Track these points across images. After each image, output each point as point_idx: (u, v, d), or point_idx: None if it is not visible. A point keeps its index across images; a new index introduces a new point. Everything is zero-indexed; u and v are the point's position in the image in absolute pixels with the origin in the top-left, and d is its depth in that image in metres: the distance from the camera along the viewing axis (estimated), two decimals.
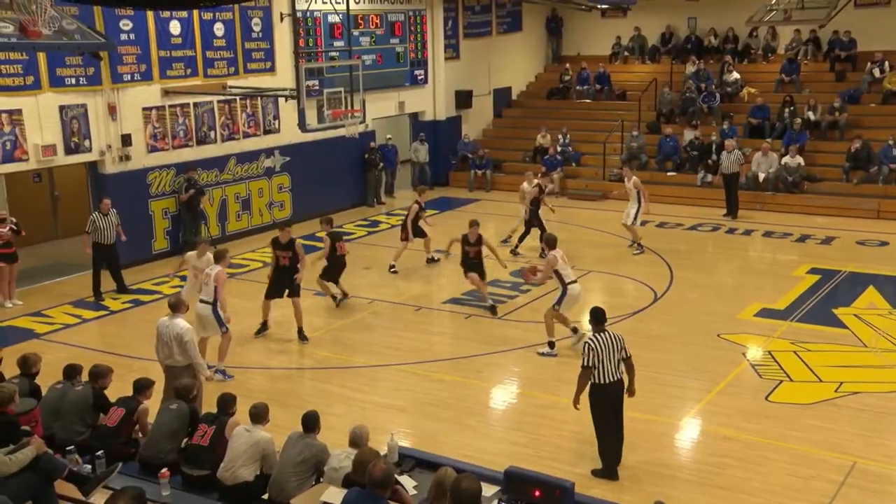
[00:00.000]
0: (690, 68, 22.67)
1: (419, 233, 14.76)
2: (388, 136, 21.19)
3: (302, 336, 11.60)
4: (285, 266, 11.69)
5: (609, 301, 13.24)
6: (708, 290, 13.54)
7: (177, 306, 8.65)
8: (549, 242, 11.18)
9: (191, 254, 11.50)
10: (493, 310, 12.44)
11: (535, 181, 15.72)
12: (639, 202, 15.20)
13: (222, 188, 17.04)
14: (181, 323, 8.55)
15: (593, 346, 7.89)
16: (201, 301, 10.13)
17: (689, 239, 16.82)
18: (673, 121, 21.92)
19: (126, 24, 15.05)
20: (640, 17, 24.74)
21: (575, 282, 11.07)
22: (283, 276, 11.61)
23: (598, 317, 8.18)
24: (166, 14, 15.57)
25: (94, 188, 15.23)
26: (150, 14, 15.20)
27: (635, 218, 15.20)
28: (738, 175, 18.24)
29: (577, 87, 24.30)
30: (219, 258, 10.39)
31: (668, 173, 20.60)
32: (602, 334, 8.01)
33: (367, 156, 20.14)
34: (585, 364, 7.89)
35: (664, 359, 10.85)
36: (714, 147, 19.94)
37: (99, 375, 7.82)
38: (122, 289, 13.99)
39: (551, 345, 11.11)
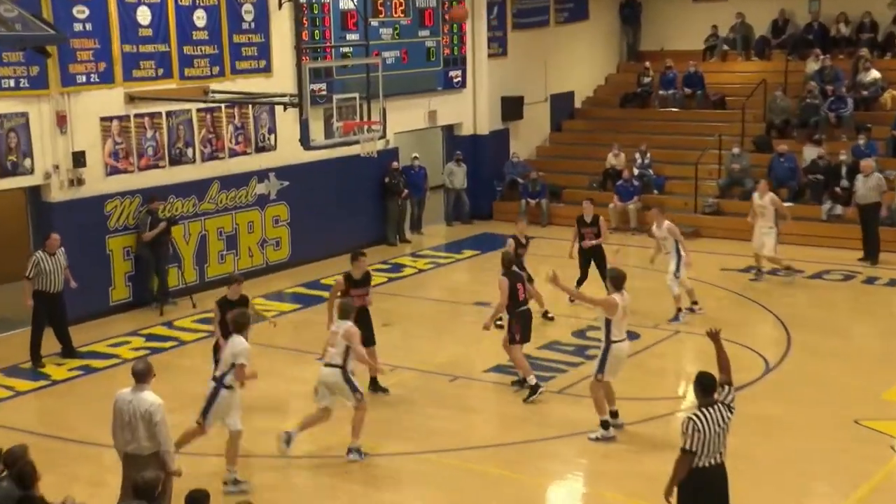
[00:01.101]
0: (812, 66, 22.47)
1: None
2: (415, 155, 21.20)
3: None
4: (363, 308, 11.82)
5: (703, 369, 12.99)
6: (840, 360, 13.24)
7: (144, 374, 8.51)
8: (616, 281, 10.79)
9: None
10: (533, 389, 11.99)
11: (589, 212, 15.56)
12: (679, 253, 14.92)
13: (201, 221, 17.08)
14: (150, 397, 8.40)
15: (699, 425, 7.72)
16: (328, 366, 10.39)
17: (813, 291, 16.56)
18: (789, 135, 21.70)
19: (81, 11, 15.24)
20: (744, 1, 24.66)
21: (623, 340, 10.86)
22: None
23: (705, 386, 8.00)
24: None
25: (37, 220, 15.31)
26: None
27: (677, 271, 14.84)
28: (878, 206, 17.95)
29: (661, 92, 24.22)
30: (346, 313, 10.52)
31: (783, 204, 20.29)
32: (710, 409, 7.83)
33: (387, 180, 20.14)
34: (687, 448, 7.73)
35: (782, 452, 10.54)
36: (845, 170, 19.65)
37: (15, 459, 7.56)
38: (68, 351, 13.95)
39: (605, 425, 10.88)
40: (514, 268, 12.26)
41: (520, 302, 12.11)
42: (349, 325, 10.49)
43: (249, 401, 11.88)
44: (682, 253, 14.97)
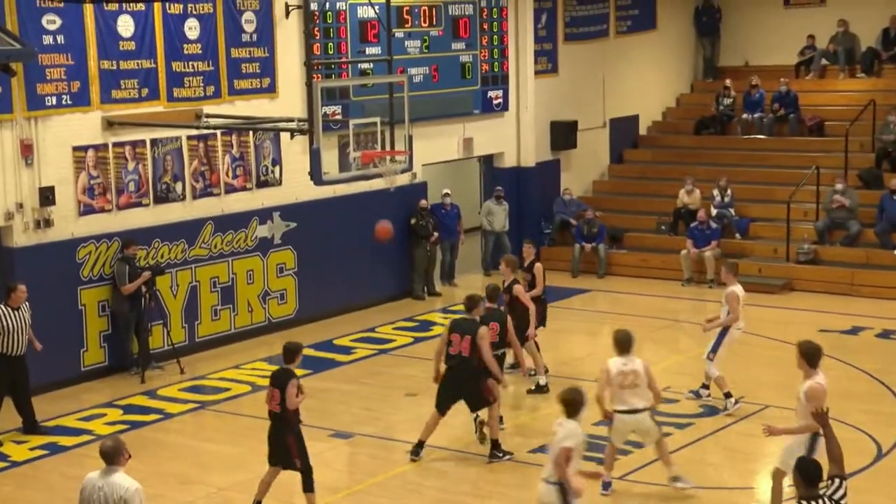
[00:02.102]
0: None
1: None
2: (446, 191, 21.36)
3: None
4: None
5: None
6: None
7: (113, 454, 8.56)
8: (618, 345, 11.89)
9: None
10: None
11: None
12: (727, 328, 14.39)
13: (192, 269, 17.26)
14: (124, 481, 8.44)
15: None
16: (547, 483, 9.74)
17: None
18: None
19: (51, 21, 15.55)
20: (847, 6, 24.74)
21: (625, 412, 11.69)
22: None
23: (810, 475, 7.78)
24: (113, 6, 16.08)
25: None
26: (88, 6, 15.68)
27: (714, 350, 14.41)
28: None
29: (745, 116, 24.28)
30: (573, 409, 9.95)
31: None
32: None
33: (414, 221, 20.28)
34: None
35: None
36: None
37: None
38: (31, 426, 14.07)
39: None
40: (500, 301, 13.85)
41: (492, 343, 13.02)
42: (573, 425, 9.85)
43: (240, 486, 11.97)
44: (732, 325, 14.42)
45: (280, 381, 11.03)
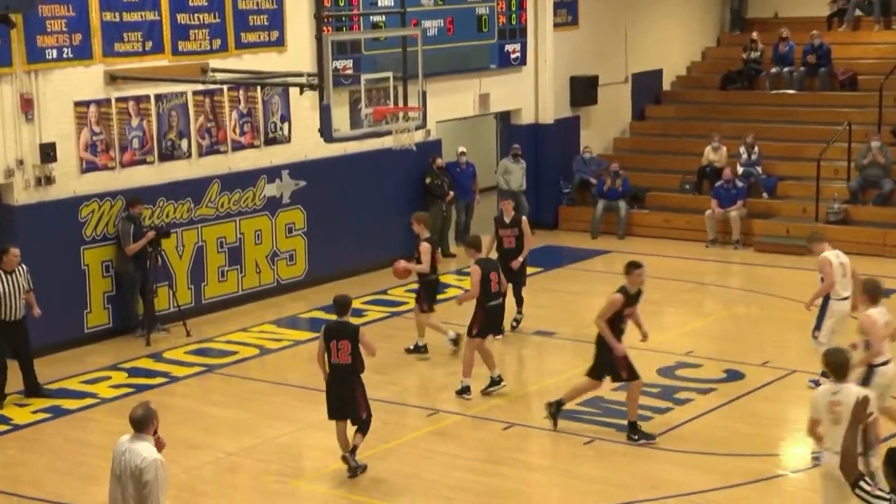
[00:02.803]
0: None
1: None
2: (462, 149, 21.32)
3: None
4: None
5: None
6: None
7: (142, 422, 8.36)
8: (871, 293, 11.93)
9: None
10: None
11: None
12: (827, 297, 13.76)
13: (198, 229, 17.28)
14: (145, 450, 8.26)
15: None
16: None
17: None
18: None
19: None
20: None
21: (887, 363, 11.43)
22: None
23: None
24: None
25: None
26: None
27: (818, 326, 13.73)
28: None
29: (774, 70, 24.15)
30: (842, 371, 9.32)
31: None
32: None
33: (429, 180, 20.25)
34: None
35: None
36: None
37: None
38: (33, 389, 14.15)
39: None
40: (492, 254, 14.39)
41: (491, 294, 13.60)
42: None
43: (248, 452, 12.05)
44: (834, 295, 13.74)
45: (346, 332, 11.36)
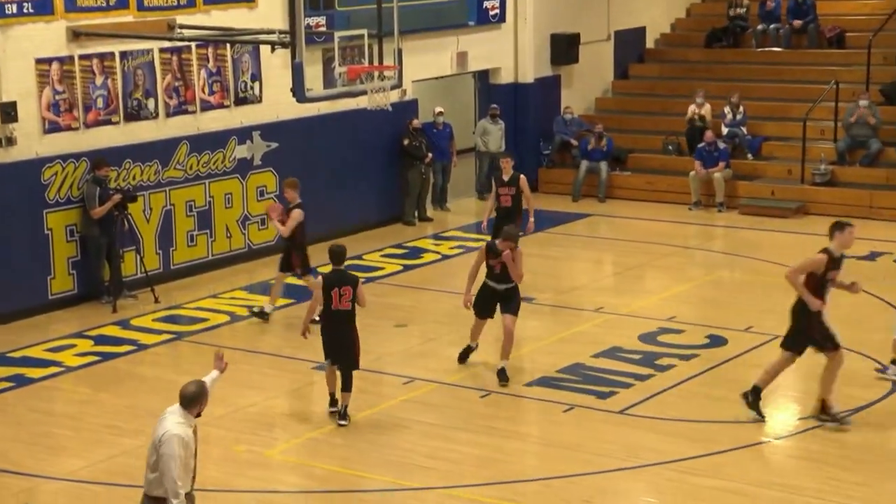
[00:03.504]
0: None
1: None
2: (439, 109, 21.30)
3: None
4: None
5: (811, 389, 12.92)
6: None
7: (189, 401, 8.36)
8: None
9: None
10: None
11: None
12: None
13: (166, 192, 17.24)
14: (170, 422, 8.26)
15: None
16: None
17: None
18: None
19: None
20: None
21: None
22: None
23: None
24: None
25: None
26: None
27: None
28: None
29: (759, 27, 24.17)
30: None
31: None
32: None
33: (406, 142, 20.24)
34: None
35: None
36: None
37: None
38: None
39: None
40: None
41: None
42: None
43: (218, 422, 12.08)
44: None
45: (349, 280, 11.95)
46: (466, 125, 22.86)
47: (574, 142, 22.48)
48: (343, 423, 11.92)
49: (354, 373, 12.11)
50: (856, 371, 13.05)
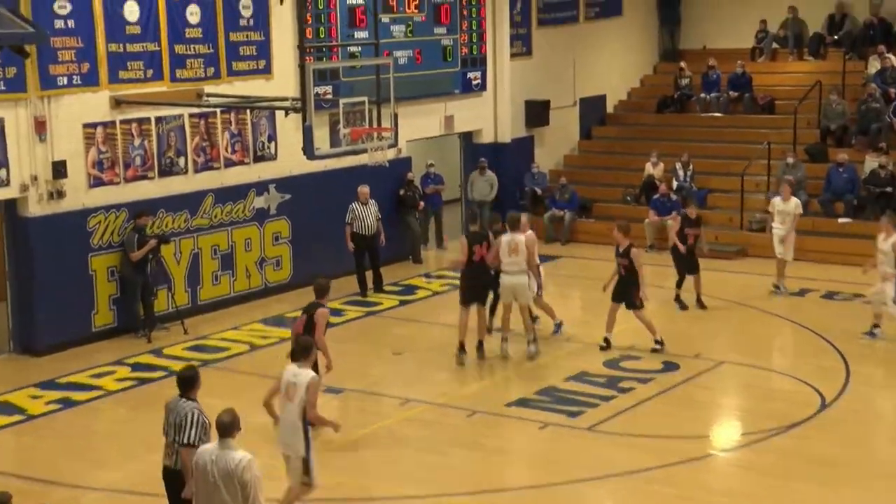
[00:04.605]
0: (874, 66, 22.51)
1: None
2: (430, 162, 21.32)
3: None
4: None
5: (753, 407, 13.00)
6: None
7: (229, 427, 8.03)
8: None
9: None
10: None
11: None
12: None
13: (194, 238, 17.17)
14: (236, 452, 7.88)
15: None
16: None
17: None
18: (846, 143, 21.74)
19: (62, 7, 15.38)
20: None
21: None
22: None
23: None
24: None
25: (13, 237, 15.41)
26: None
27: None
28: None
29: (703, 95, 24.28)
30: None
31: (840, 220, 20.24)
32: None
33: (402, 192, 20.22)
34: None
35: (835, 500, 10.49)
36: None
37: None
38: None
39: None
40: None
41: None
42: None
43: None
44: None
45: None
46: (453, 179, 22.82)
47: (539, 191, 22.47)
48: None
49: (356, 394, 11.99)
50: (790, 391, 13.01)
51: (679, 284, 16.89)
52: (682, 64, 24.87)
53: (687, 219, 16.98)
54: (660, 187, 21.25)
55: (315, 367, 10.81)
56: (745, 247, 20.31)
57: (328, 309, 12.21)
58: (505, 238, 14.25)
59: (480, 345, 14.51)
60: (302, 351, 9.88)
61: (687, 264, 16.83)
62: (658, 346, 14.63)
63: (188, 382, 8.62)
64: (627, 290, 14.72)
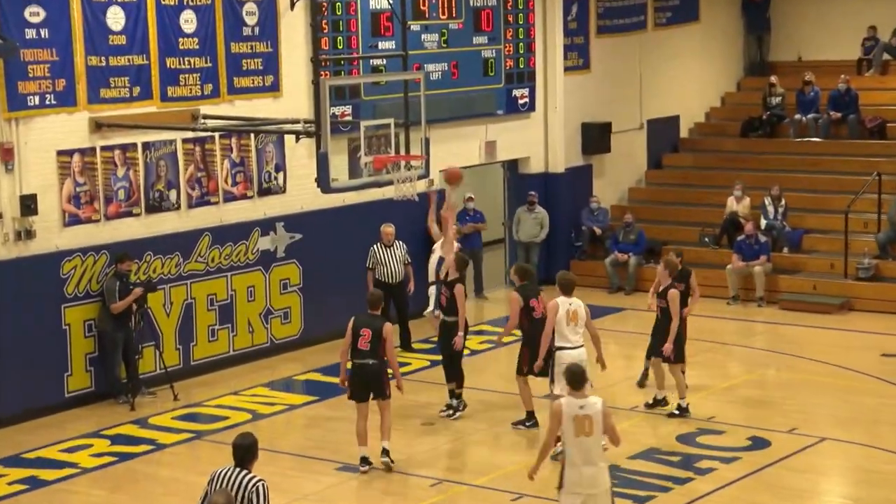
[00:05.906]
0: None
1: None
2: (468, 195, 21.39)
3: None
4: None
5: (861, 496, 12.87)
6: None
7: (248, 454, 8.74)
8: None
9: None
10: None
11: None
12: None
13: (187, 286, 17.30)
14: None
15: None
16: None
17: None
18: None
19: (35, 14, 15.57)
20: None
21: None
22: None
23: None
24: None
25: None
26: None
27: None
28: None
29: (798, 116, 24.24)
30: None
31: None
32: None
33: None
34: None
35: None
36: None
37: None
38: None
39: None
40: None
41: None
42: None
43: None
44: None
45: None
46: (496, 215, 22.82)
47: (598, 230, 22.50)
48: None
49: (379, 474, 11.98)
50: None
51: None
52: (773, 79, 24.85)
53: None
54: (745, 226, 21.25)
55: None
56: (849, 299, 20.21)
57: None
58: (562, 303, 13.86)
59: (531, 416, 14.54)
60: None
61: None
62: (677, 412, 14.82)
63: (249, 451, 8.78)
64: (657, 337, 15.03)
